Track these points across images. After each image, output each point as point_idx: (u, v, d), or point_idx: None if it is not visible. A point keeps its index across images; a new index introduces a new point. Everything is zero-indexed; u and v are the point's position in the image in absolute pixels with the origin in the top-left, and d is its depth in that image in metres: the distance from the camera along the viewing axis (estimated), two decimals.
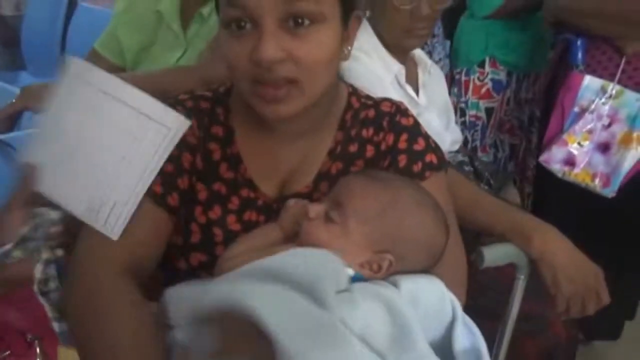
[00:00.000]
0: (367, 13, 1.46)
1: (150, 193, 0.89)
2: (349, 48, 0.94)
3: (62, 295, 0.94)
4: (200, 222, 0.93)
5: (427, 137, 1.03)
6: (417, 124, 1.04)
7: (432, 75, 1.58)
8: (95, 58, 1.75)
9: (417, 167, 0.99)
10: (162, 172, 0.89)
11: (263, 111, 0.87)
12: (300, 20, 0.82)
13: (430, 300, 0.86)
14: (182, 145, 0.91)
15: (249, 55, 0.82)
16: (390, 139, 1.00)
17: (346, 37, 0.91)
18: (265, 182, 0.96)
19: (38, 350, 1.07)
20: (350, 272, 0.83)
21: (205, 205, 0.93)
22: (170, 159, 0.90)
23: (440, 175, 1.02)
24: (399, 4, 1.33)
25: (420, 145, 1.01)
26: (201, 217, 0.93)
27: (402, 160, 0.99)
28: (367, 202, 0.86)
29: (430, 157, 1.01)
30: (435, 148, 1.03)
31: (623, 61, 1.86)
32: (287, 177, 0.97)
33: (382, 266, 0.86)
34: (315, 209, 0.87)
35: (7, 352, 1.07)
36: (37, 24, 3.52)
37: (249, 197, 0.95)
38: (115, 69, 1.67)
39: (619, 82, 1.87)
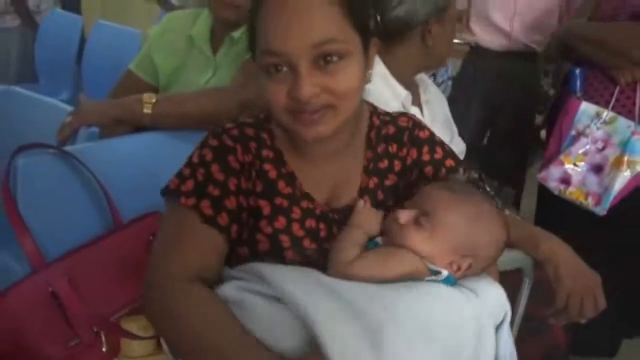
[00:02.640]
0: None
1: (201, 215, 1.04)
2: (370, 72, 1.10)
3: None
4: (266, 232, 1.07)
5: (442, 144, 1.22)
6: (432, 134, 1.22)
7: (432, 93, 1.73)
8: (130, 77, 1.94)
9: (442, 174, 1.18)
10: (210, 196, 1.05)
11: (303, 134, 1.02)
12: (329, 58, 0.96)
13: (497, 308, 1.04)
14: (227, 170, 1.07)
15: (288, 93, 0.98)
16: (414, 153, 1.18)
17: (368, 62, 1.07)
18: (317, 195, 1.12)
19: (104, 339, 1.21)
20: (445, 273, 1.02)
21: (270, 218, 1.08)
22: (217, 185, 1.05)
23: (459, 174, 1.21)
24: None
25: (439, 153, 1.19)
26: (267, 228, 1.07)
27: (429, 170, 1.17)
28: (454, 214, 1.03)
29: (450, 162, 1.19)
30: (450, 152, 1.22)
31: (617, 90, 2.03)
32: (333, 192, 1.13)
33: (462, 267, 1.04)
34: (405, 216, 1.04)
35: (77, 341, 1.21)
36: (52, 40, 3.69)
37: (308, 207, 1.10)
38: (149, 89, 1.83)
39: (613, 109, 2.04)
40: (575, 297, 1.30)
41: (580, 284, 1.30)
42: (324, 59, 0.97)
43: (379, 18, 1.42)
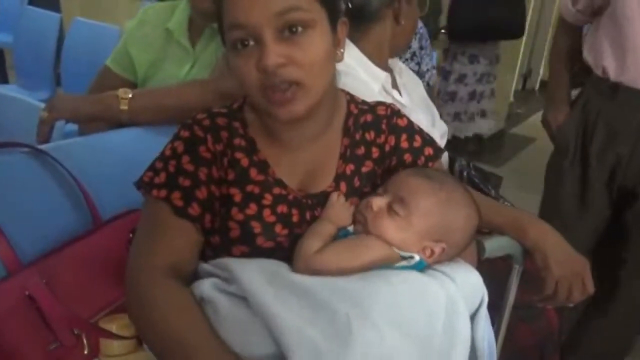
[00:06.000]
0: None
1: (172, 207, 1.06)
2: (342, 50, 1.12)
3: None
4: (237, 219, 1.09)
5: (421, 132, 1.24)
6: (410, 122, 1.24)
7: (406, 77, 1.75)
8: (107, 74, 1.93)
9: (420, 161, 1.20)
10: (180, 188, 1.07)
11: (277, 113, 1.05)
12: (294, 29, 1.00)
13: (473, 293, 1.06)
14: (198, 161, 1.09)
15: (256, 66, 1.01)
16: (392, 140, 1.19)
17: (337, 41, 1.10)
18: (291, 181, 1.13)
19: (85, 342, 1.21)
20: (417, 257, 1.04)
21: (241, 205, 1.09)
22: (187, 175, 1.08)
23: (438, 162, 1.24)
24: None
25: (417, 142, 1.21)
26: (238, 215, 1.09)
27: (408, 158, 1.19)
28: (428, 200, 1.06)
29: (428, 150, 1.21)
30: (430, 140, 1.24)
31: None
32: (308, 178, 1.15)
33: (435, 252, 1.06)
34: (378, 203, 1.06)
35: (57, 344, 1.20)
36: (29, 40, 3.70)
37: (280, 194, 1.11)
38: (127, 84, 1.83)
39: None
40: (564, 284, 1.32)
41: (569, 270, 1.32)
42: (289, 29, 1.00)
43: (349, 3, 1.44)
